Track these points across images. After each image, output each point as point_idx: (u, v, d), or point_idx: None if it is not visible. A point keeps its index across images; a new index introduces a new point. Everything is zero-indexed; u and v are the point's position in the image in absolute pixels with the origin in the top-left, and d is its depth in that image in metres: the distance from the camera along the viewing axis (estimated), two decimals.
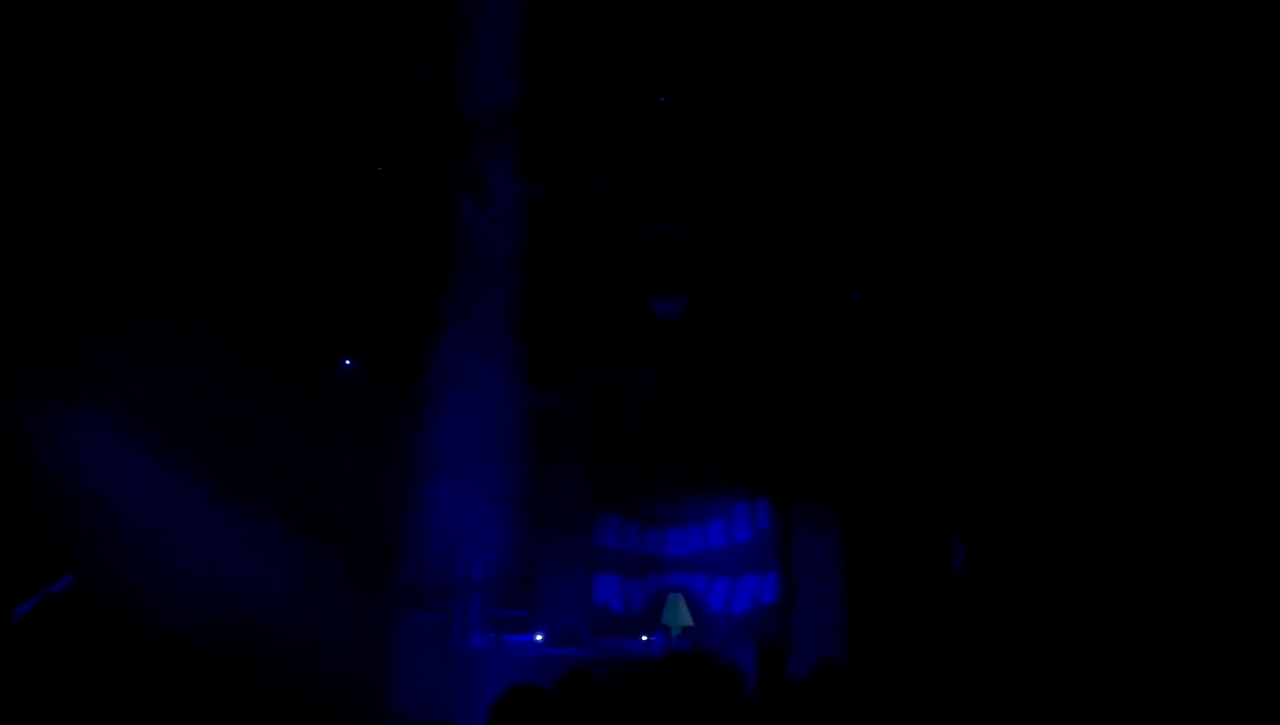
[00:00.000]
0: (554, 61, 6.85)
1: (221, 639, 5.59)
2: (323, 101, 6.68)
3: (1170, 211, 6.26)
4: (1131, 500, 6.43)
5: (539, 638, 8.16)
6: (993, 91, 6.49)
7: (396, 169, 7.27)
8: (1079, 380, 6.73)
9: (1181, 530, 6.20)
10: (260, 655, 6.52)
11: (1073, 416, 6.73)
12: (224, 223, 7.02)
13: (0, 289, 6.38)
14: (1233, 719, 5.44)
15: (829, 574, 8.01)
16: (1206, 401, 6.21)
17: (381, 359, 7.84)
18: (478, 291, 7.43)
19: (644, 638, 8.33)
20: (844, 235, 7.54)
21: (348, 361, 8.02)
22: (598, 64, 6.92)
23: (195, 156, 6.73)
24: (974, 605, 7.40)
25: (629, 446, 8.55)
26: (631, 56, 6.90)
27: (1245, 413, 6.05)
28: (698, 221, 7.94)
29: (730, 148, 7.33)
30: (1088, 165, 6.47)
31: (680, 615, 8.57)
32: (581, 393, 8.42)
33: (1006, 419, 7.15)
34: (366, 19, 6.49)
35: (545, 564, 8.57)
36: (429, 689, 7.24)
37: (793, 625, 8.10)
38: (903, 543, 7.74)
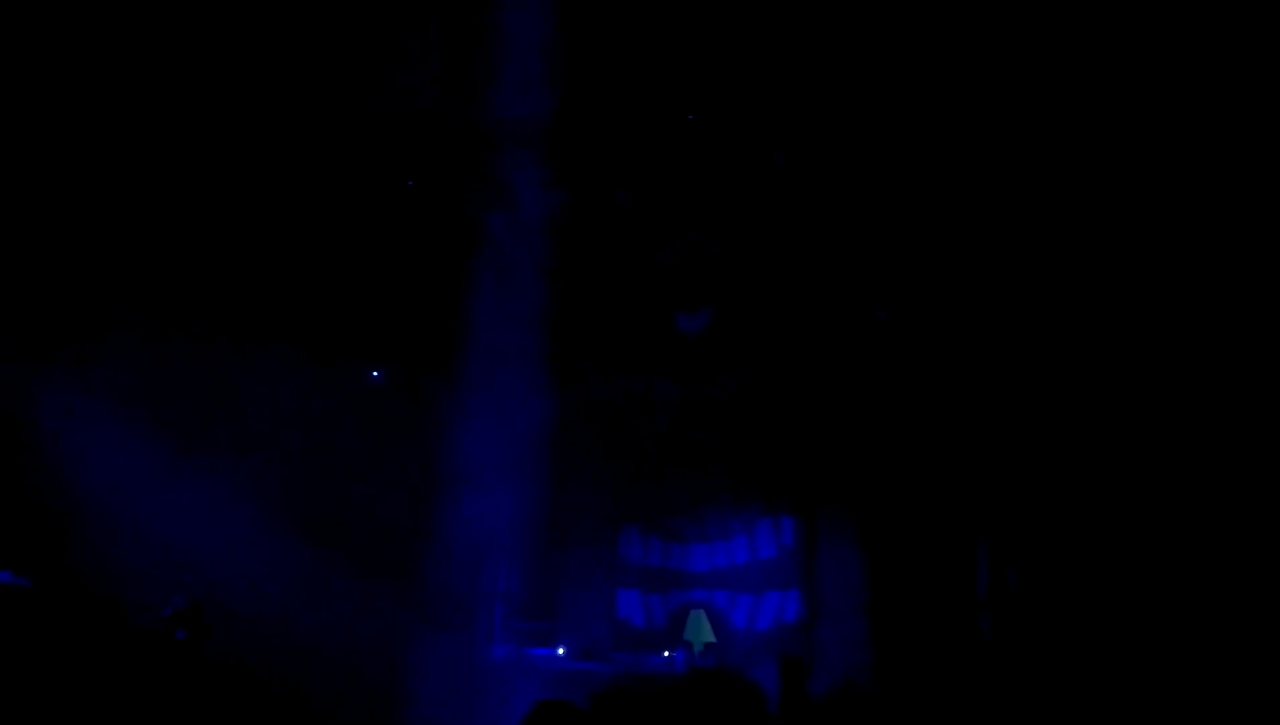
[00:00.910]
0: (583, 73, 6.88)
1: (244, 649, 5.63)
2: (352, 110, 6.75)
3: (1194, 231, 6.21)
4: (1158, 515, 6.36)
5: (561, 651, 8.15)
6: (1016, 111, 6.47)
7: (424, 178, 7.32)
8: (1104, 395, 6.68)
9: (1210, 547, 6.13)
10: (284, 665, 6.56)
11: (1097, 431, 6.68)
12: (253, 232, 7.09)
13: (30, 289, 6.47)
14: None
15: (853, 591, 7.96)
16: (1239, 420, 6.14)
17: (407, 369, 7.89)
18: (503, 302, 7.47)
19: (666, 653, 8.31)
20: (870, 251, 7.52)
21: (375, 373, 8.08)
22: (626, 76, 6.95)
23: (224, 163, 6.81)
24: (998, 622, 7.34)
25: (652, 459, 8.55)
26: (660, 68, 6.93)
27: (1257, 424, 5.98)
28: (723, 235, 7.95)
29: (757, 162, 7.34)
30: (1109, 182, 6.43)
31: (702, 631, 8.54)
32: (605, 405, 8.43)
33: (1030, 434, 7.10)
34: (396, 28, 6.55)
35: (567, 577, 8.57)
36: (451, 700, 7.25)
37: (815, 642, 8.05)
38: (927, 560, 7.69)
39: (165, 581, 5.64)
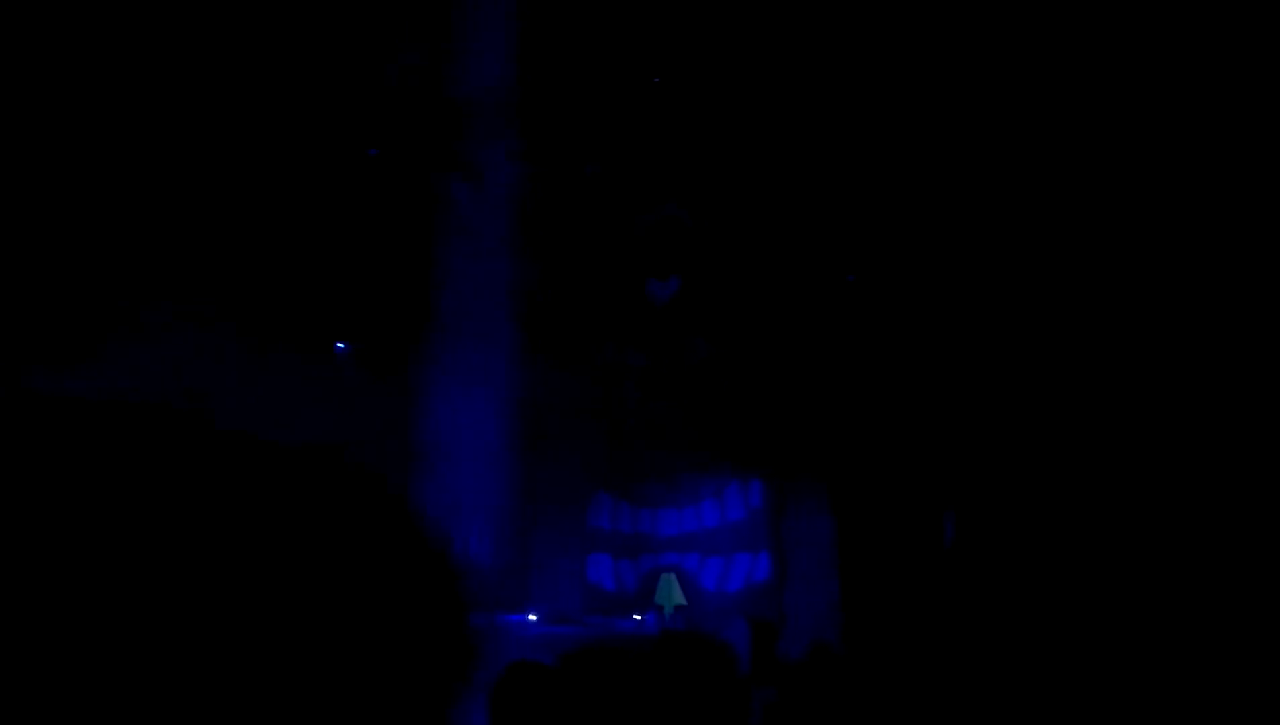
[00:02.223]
0: (549, 42, 6.82)
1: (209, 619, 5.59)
2: (313, 82, 6.64)
3: (1151, 193, 6.28)
4: (1124, 481, 6.48)
5: (532, 617, 8.20)
6: (985, 76, 6.49)
7: (389, 151, 7.24)
8: (1071, 359, 6.77)
9: (1169, 509, 6.25)
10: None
11: (1065, 395, 6.77)
12: (211, 204, 6.99)
13: None
14: (1226, 710, 5.51)
15: (822, 552, 8.07)
16: (1198, 384, 6.25)
17: (376, 340, 7.84)
18: (471, 273, 7.43)
19: (637, 617, 8.38)
20: (838, 217, 7.54)
21: (341, 344, 8.02)
22: (593, 44, 6.90)
23: (177, 133, 6.69)
24: (964, 581, 7.47)
25: (623, 427, 8.58)
26: (627, 36, 6.88)
27: (1237, 398, 6.09)
28: (692, 203, 7.93)
29: (726, 125, 7.32)
30: (1077, 153, 6.48)
31: (673, 594, 8.62)
32: (575, 374, 8.43)
33: (998, 397, 7.19)
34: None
35: (539, 543, 8.61)
36: None
37: (786, 604, 8.16)
38: (895, 520, 7.79)
39: None
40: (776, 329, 8.15)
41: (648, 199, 7.90)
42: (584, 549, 8.76)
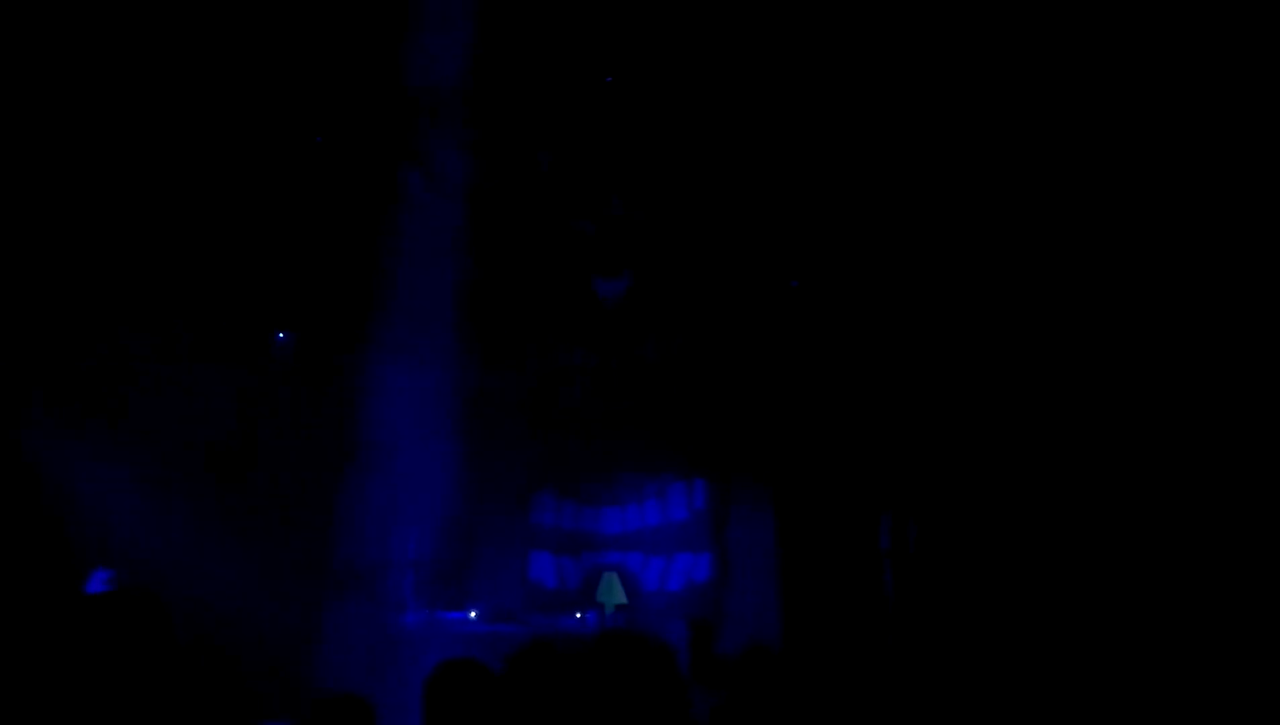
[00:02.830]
0: (504, 33, 6.78)
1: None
2: (263, 70, 6.54)
3: (1100, 188, 6.41)
4: (1062, 480, 6.61)
5: (473, 614, 8.16)
6: (933, 75, 6.58)
7: (338, 140, 7.15)
8: (1015, 359, 6.90)
9: (1110, 503, 6.39)
10: (190, 636, 6.42)
11: (1009, 395, 6.90)
12: (152, 192, 6.85)
13: None
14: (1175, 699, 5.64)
15: (762, 553, 8.13)
16: (1139, 378, 6.39)
17: (318, 334, 7.74)
18: (419, 268, 7.36)
19: (578, 615, 8.37)
20: (784, 224, 7.61)
21: (281, 335, 7.90)
22: (546, 36, 6.88)
23: (124, 120, 6.55)
24: (899, 580, 7.58)
25: (567, 425, 8.57)
26: (581, 31, 6.87)
27: (1184, 379, 6.23)
28: (642, 203, 7.95)
29: (677, 128, 7.35)
30: (1020, 157, 6.60)
31: (614, 593, 8.63)
32: (521, 371, 8.40)
33: (940, 401, 7.31)
34: None
35: (481, 541, 8.56)
36: (361, 668, 7.21)
37: (725, 603, 8.21)
38: (835, 523, 7.88)
39: (62, 553, 5.47)
40: (723, 331, 8.20)
41: (598, 196, 7.90)
42: (526, 546, 8.74)
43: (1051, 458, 6.60)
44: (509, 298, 8.02)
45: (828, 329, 7.84)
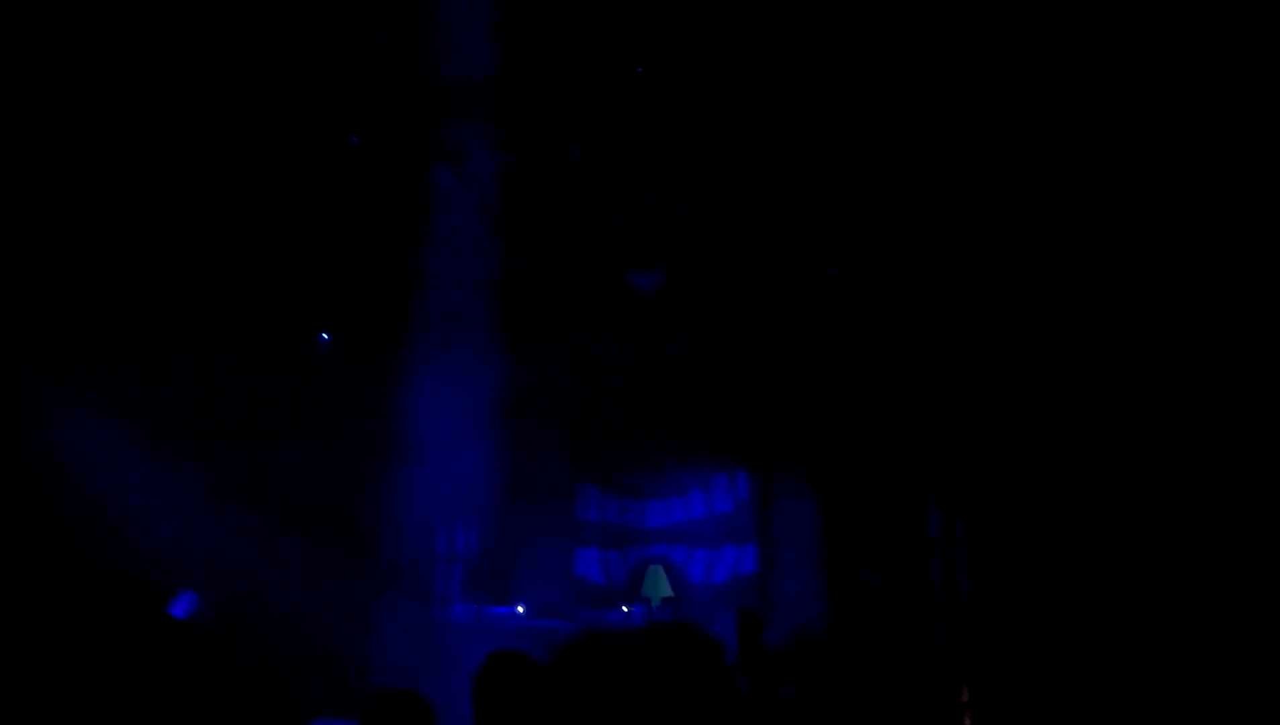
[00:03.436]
0: (532, 28, 6.78)
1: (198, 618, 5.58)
2: (295, 68, 6.59)
3: (1129, 187, 6.31)
4: (1106, 467, 6.52)
5: (520, 609, 8.19)
6: (966, 69, 6.49)
7: (371, 137, 7.19)
8: (1054, 346, 6.81)
9: (1154, 499, 6.29)
10: (240, 636, 6.51)
11: (1048, 382, 6.81)
12: (193, 194, 6.93)
13: None
14: (1212, 701, 5.55)
15: (807, 543, 8.08)
16: (1178, 374, 6.29)
17: (357, 332, 7.80)
18: (455, 264, 7.39)
19: (625, 609, 8.38)
20: (822, 209, 7.55)
21: (324, 335, 7.97)
22: (576, 29, 6.86)
23: (158, 119, 6.63)
24: (947, 570, 7.50)
25: (609, 419, 8.57)
26: (610, 23, 6.84)
27: (1218, 383, 6.14)
28: (676, 194, 7.92)
29: (710, 117, 7.31)
30: (1057, 147, 6.50)
31: (660, 586, 8.62)
32: (560, 366, 8.41)
33: (982, 385, 7.22)
34: None
35: (525, 536, 8.59)
36: (410, 663, 7.26)
37: (772, 594, 8.17)
38: (880, 511, 7.82)
39: (115, 558, 5.56)
40: (761, 320, 8.15)
41: (631, 189, 7.88)
42: (571, 542, 8.76)
43: (1102, 443, 6.50)
44: (545, 293, 8.03)
45: (868, 315, 7.76)
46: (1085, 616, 6.37)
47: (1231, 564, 5.90)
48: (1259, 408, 5.97)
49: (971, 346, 7.28)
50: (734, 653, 6.73)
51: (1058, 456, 6.72)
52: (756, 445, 8.47)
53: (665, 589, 8.61)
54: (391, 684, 6.93)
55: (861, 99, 6.91)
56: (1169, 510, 6.22)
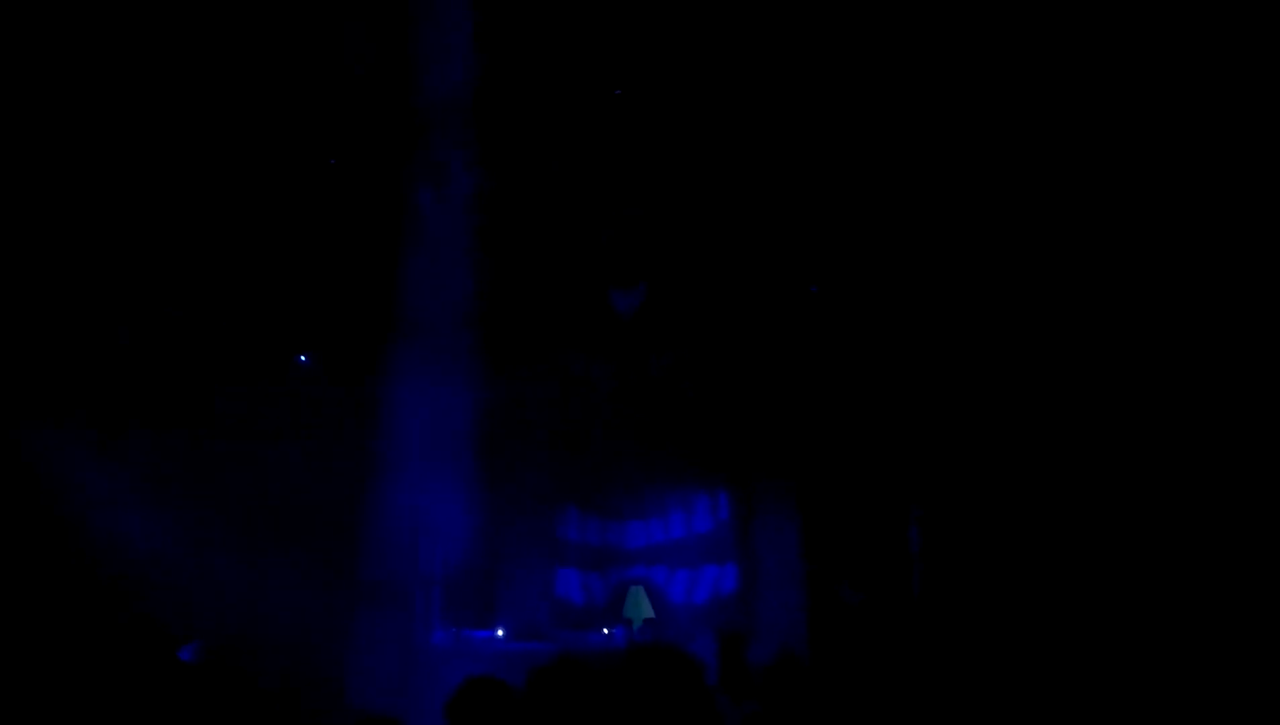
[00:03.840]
0: (511, 45, 6.81)
1: (180, 635, 5.52)
2: (275, 89, 6.59)
3: (1112, 191, 6.36)
4: (1089, 480, 6.55)
5: (500, 632, 8.14)
6: (953, 74, 6.55)
7: (350, 158, 7.19)
8: (1035, 359, 6.85)
9: (1135, 509, 6.32)
10: (219, 655, 6.44)
11: (1030, 395, 6.84)
12: (172, 213, 6.91)
13: None
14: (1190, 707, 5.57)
15: (789, 562, 8.07)
16: (1158, 384, 6.33)
17: (337, 352, 7.77)
18: (435, 283, 7.38)
19: (606, 630, 8.34)
20: (802, 227, 7.59)
21: (303, 357, 7.93)
22: (555, 50, 6.89)
23: (141, 141, 6.62)
24: (929, 587, 7.51)
25: (590, 439, 8.54)
26: (588, 42, 6.88)
27: (1203, 390, 6.18)
28: (656, 212, 7.94)
29: (688, 137, 7.35)
30: (1034, 159, 6.56)
31: (641, 607, 8.58)
32: (541, 385, 8.39)
33: (963, 400, 7.25)
34: (323, 6, 6.42)
35: (506, 558, 8.54)
36: (389, 685, 7.20)
37: (754, 614, 8.15)
38: (862, 530, 7.82)
39: (100, 573, 5.51)
40: (742, 338, 8.17)
41: (611, 207, 7.90)
42: (551, 562, 8.71)
43: (1084, 458, 6.53)
44: (525, 311, 8.02)
45: (848, 333, 7.79)
46: (1068, 629, 6.38)
47: (1217, 583, 5.92)
48: (1245, 437, 6.02)
49: (952, 361, 7.31)
50: (715, 674, 6.70)
51: (1042, 468, 6.75)
52: (738, 463, 8.46)
53: (646, 610, 8.57)
54: (370, 707, 6.87)
55: (841, 117, 6.96)
56: (1154, 519, 6.25)
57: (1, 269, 6.48)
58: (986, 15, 6.27)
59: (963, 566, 7.26)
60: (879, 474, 7.75)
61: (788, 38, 6.66)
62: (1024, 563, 6.77)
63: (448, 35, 6.69)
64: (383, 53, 6.58)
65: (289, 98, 6.62)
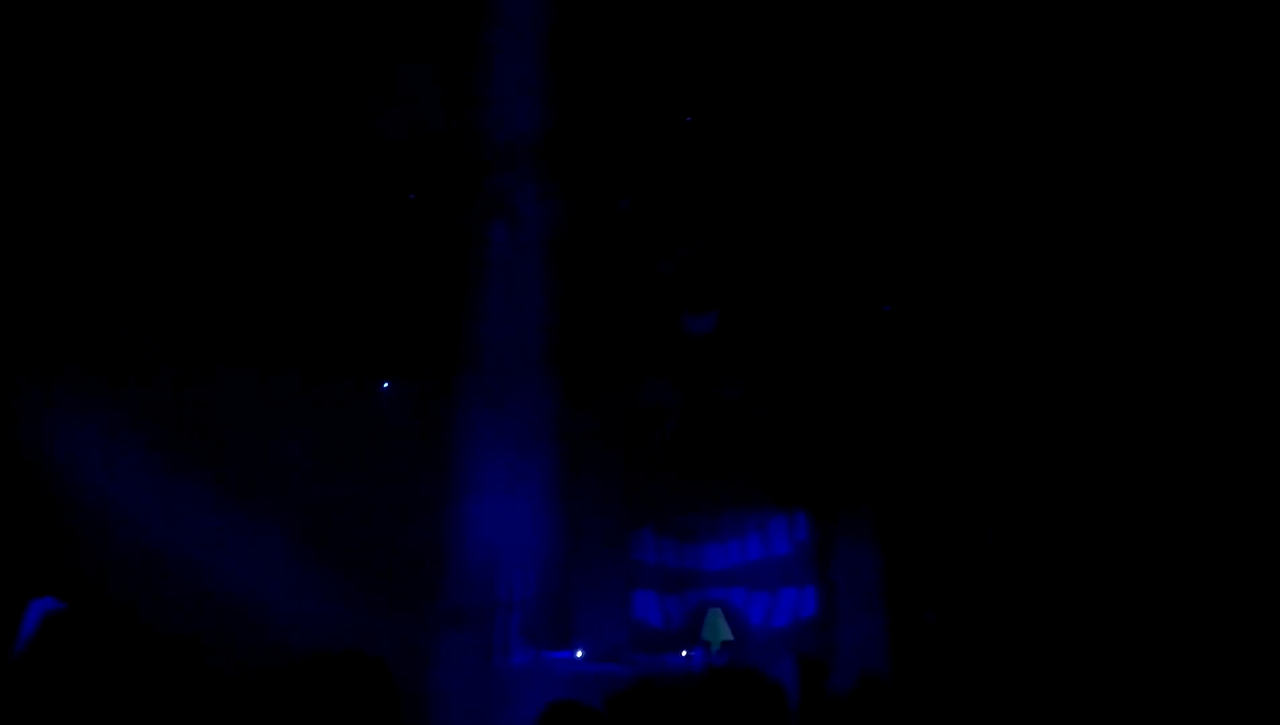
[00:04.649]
0: (580, 81, 6.91)
1: (261, 661, 5.65)
2: (351, 127, 6.78)
3: (1193, 223, 6.22)
4: (1163, 503, 6.37)
5: (579, 654, 8.17)
6: (1024, 104, 6.47)
7: (426, 193, 7.35)
8: (1110, 384, 6.69)
9: (1219, 536, 6.13)
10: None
11: (1108, 423, 6.68)
12: (257, 249, 7.13)
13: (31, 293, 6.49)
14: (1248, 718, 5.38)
15: (869, 586, 7.96)
16: (1233, 406, 6.15)
17: (417, 381, 7.92)
18: (510, 312, 7.49)
19: (684, 653, 8.32)
20: (874, 248, 7.53)
21: (385, 384, 8.10)
22: (624, 83, 6.98)
23: (228, 181, 6.85)
24: (1011, 613, 7.34)
25: (664, 462, 8.56)
26: (658, 74, 6.95)
27: (1260, 409, 5.99)
28: (726, 236, 7.96)
29: (757, 162, 7.36)
30: (1112, 171, 6.44)
31: (720, 630, 8.55)
32: (615, 410, 8.45)
33: (1039, 425, 7.10)
34: (391, 47, 6.59)
35: (583, 581, 8.59)
36: (470, 708, 7.27)
37: (834, 639, 8.05)
38: (942, 552, 7.69)
39: (185, 604, 5.66)
40: (816, 361, 8.12)
41: (682, 234, 7.94)
42: (629, 585, 8.73)
43: (1163, 484, 6.35)
44: (599, 339, 8.09)
45: (924, 353, 7.69)
46: (1150, 655, 6.19)
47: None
48: None
49: (1029, 382, 7.17)
50: (796, 699, 6.63)
51: (1116, 492, 6.58)
52: (814, 486, 8.40)
53: (725, 633, 8.53)
54: None
55: (916, 141, 6.91)
56: (1231, 542, 6.05)
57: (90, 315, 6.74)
58: (1059, 52, 6.20)
59: (1042, 590, 7.09)
60: (957, 496, 7.62)
61: (860, 63, 6.64)
62: (1103, 585, 6.60)
63: (519, 70, 6.82)
64: (457, 90, 6.73)
65: (370, 137, 6.81)
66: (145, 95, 6.40)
